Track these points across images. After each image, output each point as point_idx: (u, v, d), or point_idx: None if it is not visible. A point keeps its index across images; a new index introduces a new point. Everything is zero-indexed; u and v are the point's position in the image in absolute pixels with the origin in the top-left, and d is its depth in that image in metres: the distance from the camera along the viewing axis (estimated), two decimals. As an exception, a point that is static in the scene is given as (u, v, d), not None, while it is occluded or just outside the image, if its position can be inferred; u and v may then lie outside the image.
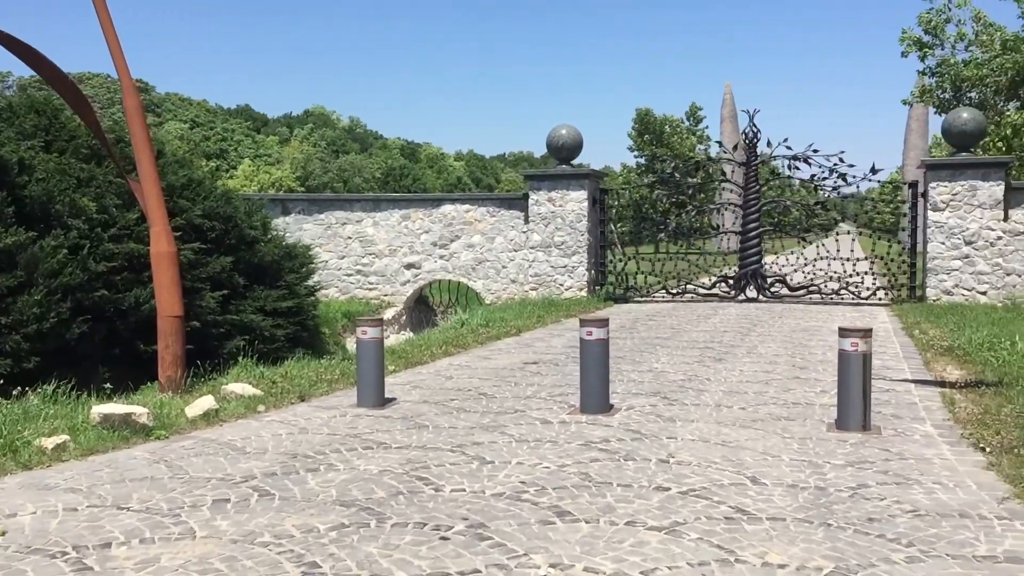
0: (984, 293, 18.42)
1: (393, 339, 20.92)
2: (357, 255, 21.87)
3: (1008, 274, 18.34)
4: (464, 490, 5.80)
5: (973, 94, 22.27)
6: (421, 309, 23.00)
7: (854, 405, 7.43)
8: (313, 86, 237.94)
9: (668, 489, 5.76)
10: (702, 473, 6.15)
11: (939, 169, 18.78)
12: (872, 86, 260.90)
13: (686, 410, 8.37)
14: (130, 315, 12.12)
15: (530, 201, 21.05)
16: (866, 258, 20.06)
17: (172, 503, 5.61)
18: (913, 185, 19.88)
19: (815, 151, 20.01)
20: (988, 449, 6.74)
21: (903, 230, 20.80)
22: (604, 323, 8.23)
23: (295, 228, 21.77)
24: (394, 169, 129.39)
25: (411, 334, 21.83)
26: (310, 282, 17.36)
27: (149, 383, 10.32)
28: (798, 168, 20.09)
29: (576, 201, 20.81)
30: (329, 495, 5.75)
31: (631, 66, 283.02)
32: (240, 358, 11.36)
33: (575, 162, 21.56)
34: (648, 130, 72.28)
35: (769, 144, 20.29)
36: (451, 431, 7.62)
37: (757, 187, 20.45)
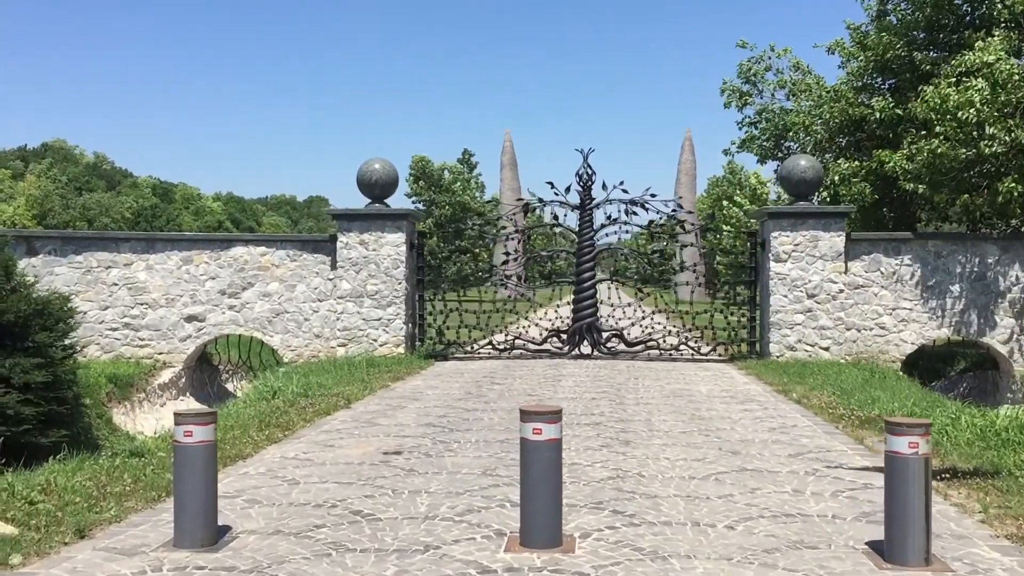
0: (827, 349, 17.56)
1: (171, 408, 17.33)
2: (125, 305, 18.06)
3: (848, 328, 17.59)
4: None
5: (793, 144, 21.88)
6: (204, 370, 19.42)
7: (914, 530, 5.40)
8: (51, 117, 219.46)
9: None
10: None
11: (780, 218, 17.84)
12: (646, 137, 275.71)
13: (663, 535, 6.03)
14: None
15: (339, 244, 18.22)
16: (703, 311, 18.89)
17: None
18: (752, 234, 18.91)
19: (653, 195, 18.65)
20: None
21: (677, 283, 19.50)
22: (556, 416, 5.77)
23: (45, 272, 17.67)
24: (146, 209, 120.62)
25: (192, 401, 18.29)
26: (68, 341, 13.66)
27: None
28: (635, 213, 18.62)
29: (392, 245, 18.22)
30: None
31: (403, 113, 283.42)
32: (-24, 462, 7.85)
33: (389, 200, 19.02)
34: (425, 176, 70.76)
35: (605, 187, 18.71)
36: (349, 598, 4.86)
37: (592, 232, 18.74)
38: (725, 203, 61.09)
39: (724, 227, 21.07)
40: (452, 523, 6.34)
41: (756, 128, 22.15)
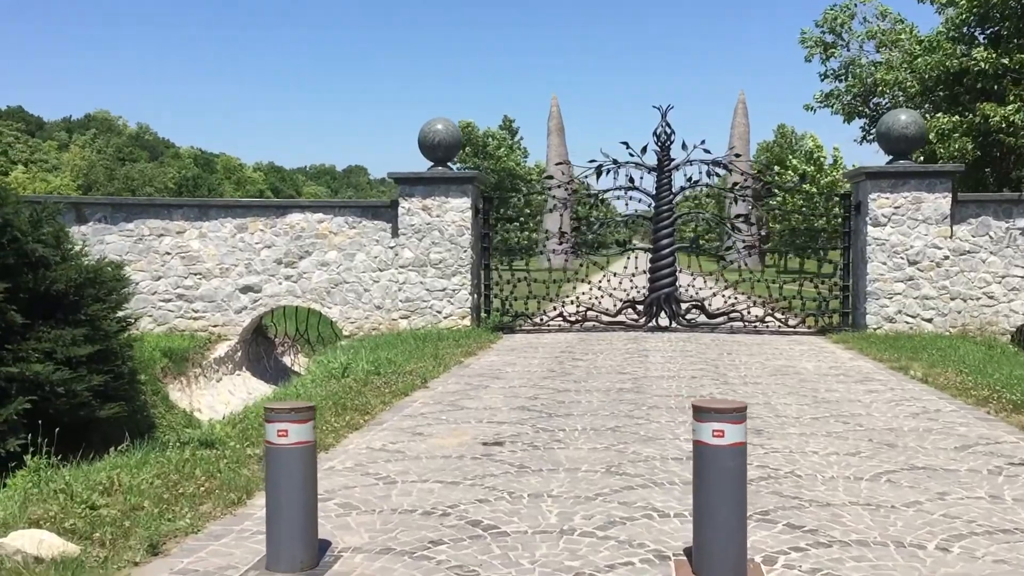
0: (930, 320, 16.19)
1: (227, 383, 16.48)
2: (178, 275, 17.16)
3: (953, 298, 16.20)
4: None
5: (883, 100, 20.35)
6: (260, 343, 18.52)
7: None
8: (96, 89, 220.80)
9: None
10: None
11: (879, 178, 16.42)
12: (696, 100, 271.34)
13: (867, 561, 4.86)
14: None
15: (400, 210, 17.14)
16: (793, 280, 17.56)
17: None
18: (845, 196, 17.50)
19: (737, 155, 17.29)
20: None
21: (728, 249, 18.14)
22: (740, 414, 4.59)
23: (95, 240, 16.80)
24: (188, 179, 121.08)
25: (248, 376, 17.41)
26: (122, 312, 12.77)
27: None
28: (718, 175, 17.30)
29: (457, 210, 17.09)
30: None
31: (443, 80, 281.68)
32: (29, 456, 6.86)
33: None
34: (471, 142, 69.47)
35: (684, 146, 17.38)
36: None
37: (670, 196, 17.45)
38: (776, 168, 59.33)
39: (810, 188, 19.77)
40: (596, 540, 5.23)
41: (842, 83, 20.62)
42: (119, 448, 7.40)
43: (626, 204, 17.58)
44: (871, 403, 9.65)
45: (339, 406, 9.34)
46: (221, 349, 16.80)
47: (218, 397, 15.98)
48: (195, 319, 17.19)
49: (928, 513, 5.70)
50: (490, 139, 70.35)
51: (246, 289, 17.22)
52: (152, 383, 14.14)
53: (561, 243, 18.12)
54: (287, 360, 19.22)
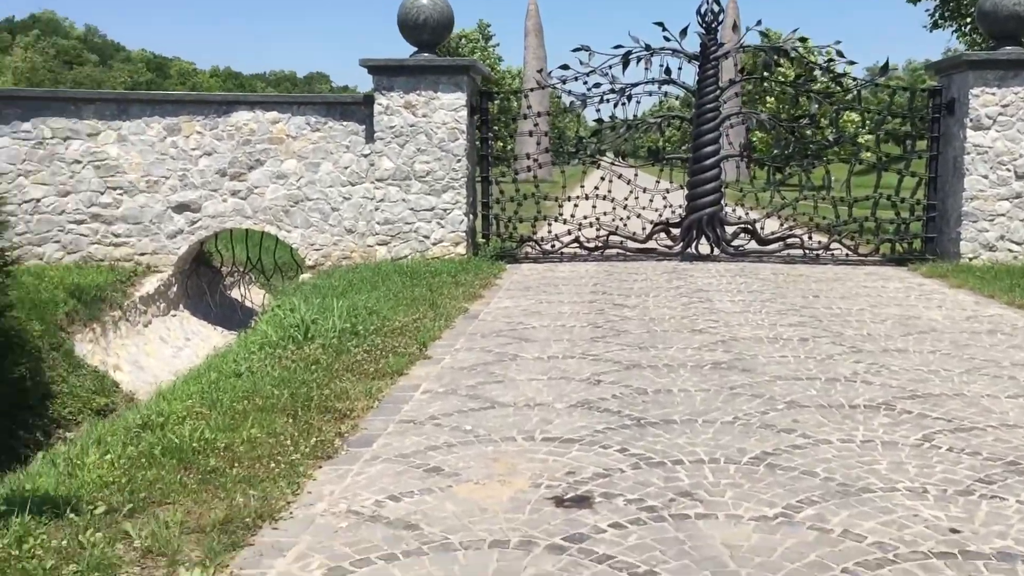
0: (1040, 248, 12.99)
1: (158, 327, 12.98)
2: (92, 190, 13.44)
3: (1070, 221, 12.99)
4: None
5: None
6: (202, 274, 14.91)
7: None
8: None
9: None
10: None
11: (984, 68, 12.97)
12: None
13: None
14: None
15: (376, 108, 13.45)
16: (866, 198, 14.10)
17: None
18: (934, 93, 14.02)
19: (802, 40, 13.69)
20: None
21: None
22: None
23: (-22, 145, 13.01)
24: (140, 84, 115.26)
25: (187, 316, 13.89)
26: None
27: None
28: (779, 65, 13.75)
29: (449, 109, 13.44)
30: None
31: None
32: None
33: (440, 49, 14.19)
34: (444, 46, 64.84)
35: (736, 28, 13.79)
36: None
37: (717, 91, 13.89)
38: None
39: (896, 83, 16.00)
40: None
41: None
42: None
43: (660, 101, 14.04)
44: (1112, 392, 6.40)
45: (301, 404, 5.92)
46: (150, 284, 13.22)
47: (145, 347, 12.49)
48: (116, 246, 13.54)
49: None
50: (464, 40, 65.74)
51: (181, 208, 13.57)
52: (49, 335, 10.59)
53: (579, 149, 14.66)
54: (236, 294, 15.68)
